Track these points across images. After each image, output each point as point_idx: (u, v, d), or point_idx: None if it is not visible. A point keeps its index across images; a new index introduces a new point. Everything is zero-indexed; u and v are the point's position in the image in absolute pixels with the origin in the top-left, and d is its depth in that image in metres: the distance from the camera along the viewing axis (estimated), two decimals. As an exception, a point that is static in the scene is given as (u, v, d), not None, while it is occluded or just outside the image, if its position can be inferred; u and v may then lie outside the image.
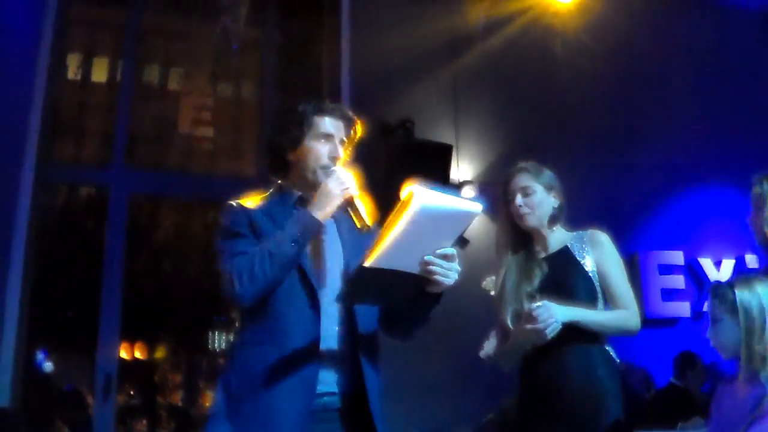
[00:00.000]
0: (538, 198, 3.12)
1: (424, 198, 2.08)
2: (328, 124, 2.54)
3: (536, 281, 3.07)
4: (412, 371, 5.45)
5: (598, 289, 3.00)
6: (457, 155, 6.09)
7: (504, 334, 3.15)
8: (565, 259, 3.08)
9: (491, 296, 4.77)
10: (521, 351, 3.03)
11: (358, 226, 2.36)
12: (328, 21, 6.55)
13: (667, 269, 6.60)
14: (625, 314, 2.95)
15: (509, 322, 3.07)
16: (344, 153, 2.56)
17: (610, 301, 3.00)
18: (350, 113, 2.63)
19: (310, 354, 2.32)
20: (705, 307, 2.90)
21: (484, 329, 5.01)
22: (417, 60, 6.29)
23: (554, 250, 3.13)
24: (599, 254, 3.04)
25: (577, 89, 6.72)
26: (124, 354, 5.80)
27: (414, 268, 2.25)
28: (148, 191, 6.39)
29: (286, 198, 2.54)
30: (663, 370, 6.09)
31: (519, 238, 3.21)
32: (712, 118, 7.04)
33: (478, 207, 2.22)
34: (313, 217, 2.34)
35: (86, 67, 7.73)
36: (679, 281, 6.60)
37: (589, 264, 3.02)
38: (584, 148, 6.43)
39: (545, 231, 3.15)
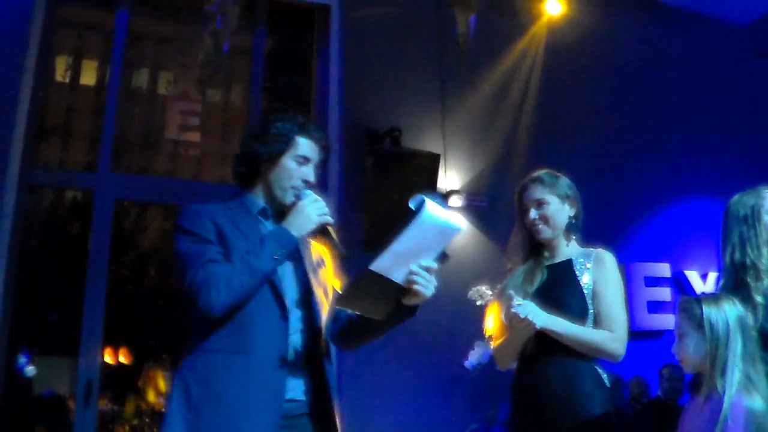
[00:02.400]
0: (553, 210, 3.11)
1: (431, 208, 2.18)
2: (308, 147, 2.56)
3: (535, 285, 3.08)
4: (395, 380, 5.47)
5: (590, 307, 2.97)
6: (445, 164, 6.08)
7: (502, 332, 3.14)
8: (564, 271, 3.08)
9: (476, 306, 4.82)
10: (515, 350, 3.03)
11: (334, 252, 2.43)
12: (317, 28, 6.56)
13: (654, 281, 6.65)
14: (607, 336, 2.90)
15: (505, 319, 3.06)
16: (314, 178, 2.58)
17: (598, 322, 2.96)
18: (328, 140, 2.67)
19: (278, 363, 2.33)
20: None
21: (468, 339, 5.05)
22: (405, 68, 6.32)
23: (559, 260, 3.13)
24: (598, 273, 3.01)
25: (565, 100, 6.77)
26: (108, 359, 5.77)
27: (399, 278, 2.28)
28: (134, 196, 6.37)
29: (248, 206, 2.55)
30: (653, 383, 6.17)
31: (533, 247, 3.20)
32: (700, 130, 7.10)
33: (462, 224, 2.29)
34: (293, 236, 2.39)
35: (74, 69, 7.70)
36: (665, 293, 6.64)
37: (585, 280, 3.01)
38: (571, 158, 6.41)
39: (557, 241, 3.14)
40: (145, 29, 6.66)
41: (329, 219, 2.46)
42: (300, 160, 2.53)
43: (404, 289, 2.32)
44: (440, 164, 5.91)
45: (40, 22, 5.57)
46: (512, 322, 2.86)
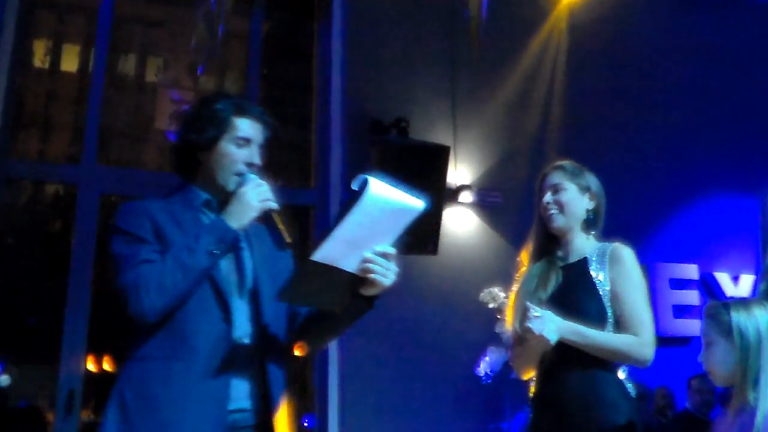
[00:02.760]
0: (569, 197, 3.12)
1: (376, 188, 2.11)
2: (247, 126, 2.52)
3: (549, 290, 3.07)
4: (400, 389, 5.50)
5: (608, 309, 2.95)
6: (455, 157, 6.08)
7: (517, 340, 3.12)
8: (578, 272, 3.06)
9: (488, 309, 4.87)
10: (533, 361, 3.04)
11: (280, 242, 2.36)
12: (319, 11, 6.55)
13: (680, 284, 6.60)
14: (632, 341, 2.87)
15: (519, 329, 3.01)
16: (260, 160, 2.54)
17: (620, 326, 2.93)
18: (269, 116, 2.62)
19: (221, 370, 2.29)
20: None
21: (480, 345, 5.09)
22: (413, 54, 6.33)
23: (574, 260, 3.12)
24: (616, 272, 2.99)
25: (587, 89, 6.78)
26: (91, 366, 5.79)
27: (352, 267, 2.27)
28: (121, 190, 6.24)
29: (191, 199, 2.51)
30: (680, 393, 6.17)
31: (548, 243, 3.21)
32: (732, 122, 7.06)
33: (420, 204, 2.24)
34: (230, 228, 2.35)
35: (54, 54, 7.74)
36: (692, 297, 6.59)
37: (602, 281, 2.99)
38: (591, 151, 6.40)
39: (572, 236, 3.14)
40: (132, 11, 6.67)
41: (273, 204, 2.40)
42: (240, 142, 2.49)
43: (360, 279, 2.30)
44: (450, 157, 5.90)
45: (17, 2, 5.55)
46: (527, 335, 2.85)
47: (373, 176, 2.12)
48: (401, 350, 5.52)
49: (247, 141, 2.50)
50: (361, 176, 2.13)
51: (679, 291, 6.59)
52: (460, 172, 6.18)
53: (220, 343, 2.31)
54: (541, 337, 2.79)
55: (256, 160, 2.51)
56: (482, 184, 6.20)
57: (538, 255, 3.21)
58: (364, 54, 6.21)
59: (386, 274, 2.30)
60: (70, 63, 7.66)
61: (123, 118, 6.49)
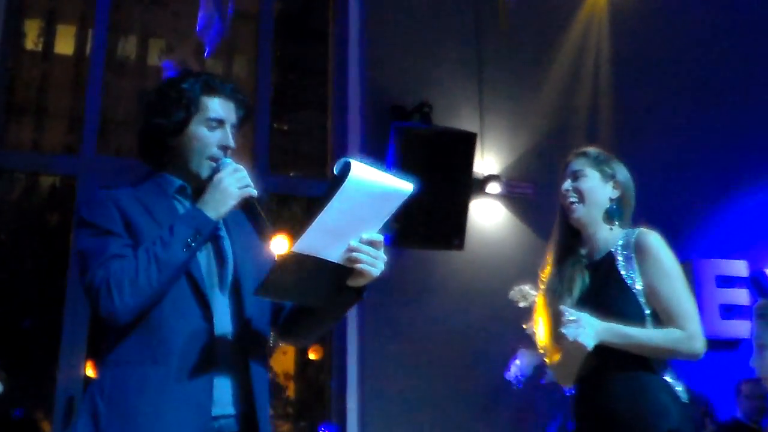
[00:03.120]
0: (589, 184, 3.12)
1: (358, 171, 2.08)
2: (218, 106, 2.50)
3: (576, 293, 3.07)
4: (425, 393, 5.52)
5: (644, 306, 2.94)
6: (482, 145, 6.11)
7: (550, 349, 3.13)
8: (606, 270, 3.05)
9: (519, 309, 4.90)
10: (573, 369, 3.03)
11: (261, 231, 2.36)
12: (334, -13, 6.55)
13: (727, 281, 6.56)
14: (679, 335, 2.87)
15: (556, 340, 3.03)
16: (234, 141, 2.52)
17: (662, 321, 2.92)
18: (242, 93, 2.60)
19: (202, 372, 2.27)
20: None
21: (510, 347, 5.11)
22: (437, 33, 6.33)
23: (600, 256, 3.11)
24: (646, 263, 2.97)
25: (623, 71, 6.78)
26: (91, 373, 5.81)
27: (336, 257, 2.25)
28: (123, 183, 6.35)
29: (164, 186, 2.49)
30: (720, 401, 6.13)
31: (571, 238, 3.21)
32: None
33: (408, 186, 2.22)
34: (208, 218, 2.33)
35: (48, 35, 7.78)
36: (741, 296, 6.55)
37: (632, 275, 2.98)
38: (631, 139, 6.42)
39: (594, 228, 3.13)
40: (133, -12, 6.71)
41: (253, 191, 2.39)
42: (212, 124, 2.47)
43: (347, 269, 2.28)
44: (477, 145, 5.90)
45: (6, -20, 5.56)
46: (562, 342, 2.87)
47: (355, 159, 2.09)
48: (425, 353, 5.55)
49: (219, 122, 2.48)
50: (342, 159, 2.10)
51: (726, 289, 6.55)
52: (487, 160, 6.19)
53: (199, 343, 2.29)
54: (577, 343, 2.79)
55: (231, 142, 2.49)
56: (511, 174, 6.22)
57: (561, 253, 3.22)
58: (384, 33, 6.22)
59: (374, 263, 2.28)
60: (65, 45, 7.69)
61: (124, 105, 6.50)
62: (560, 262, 3.20)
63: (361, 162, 2.09)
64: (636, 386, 2.89)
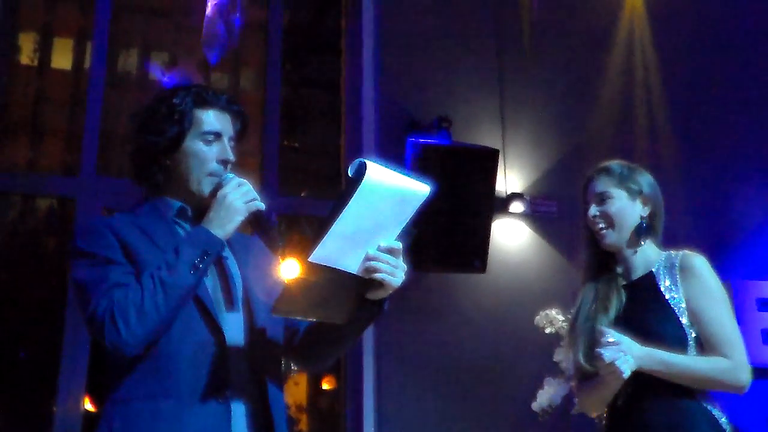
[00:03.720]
0: (617, 207, 3.12)
1: (374, 172, 2.06)
2: (213, 119, 2.51)
3: (612, 313, 3.07)
4: (447, 423, 5.52)
5: (688, 330, 2.96)
6: (504, 162, 6.12)
7: (580, 375, 3.14)
8: (646, 290, 3.07)
9: (544, 335, 4.92)
10: (605, 398, 3.04)
11: (272, 246, 2.37)
12: (346, -3, 6.57)
13: None
14: (725, 365, 2.87)
15: (582, 360, 3.06)
16: (234, 154, 2.53)
17: (706, 347, 2.94)
18: (237, 103, 2.61)
19: (218, 401, 2.28)
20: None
21: (536, 375, 5.12)
22: (455, 44, 6.35)
23: (638, 276, 3.13)
24: (691, 286, 2.99)
25: (658, 80, 6.79)
26: (91, 406, 5.81)
27: (354, 267, 2.24)
28: (125, 204, 6.30)
29: (162, 209, 2.50)
30: None
31: (601, 257, 3.22)
32: None
33: (426, 188, 2.22)
34: (215, 236, 2.32)
35: (44, 49, 7.85)
36: (784, 320, 6.51)
37: (676, 297, 3.00)
38: (665, 153, 6.46)
39: (629, 250, 3.15)
40: (133, -1, 6.75)
41: (260, 205, 2.40)
42: (208, 137, 2.48)
43: (364, 281, 2.28)
44: (499, 162, 5.89)
45: (0, -9, 5.61)
46: (597, 364, 2.87)
47: (369, 161, 2.07)
48: (445, 382, 5.55)
49: (216, 135, 2.50)
50: (357, 160, 2.09)
51: (768, 313, 6.56)
52: (510, 178, 6.20)
53: (211, 369, 2.29)
54: (613, 367, 2.78)
55: (230, 155, 2.51)
56: (535, 192, 6.23)
57: (593, 272, 3.23)
58: (399, 44, 6.24)
59: (394, 272, 2.26)
60: (62, 59, 7.76)
61: (125, 122, 6.47)
62: (594, 280, 3.21)
63: (376, 162, 2.08)
64: (676, 416, 2.89)
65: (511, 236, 6.08)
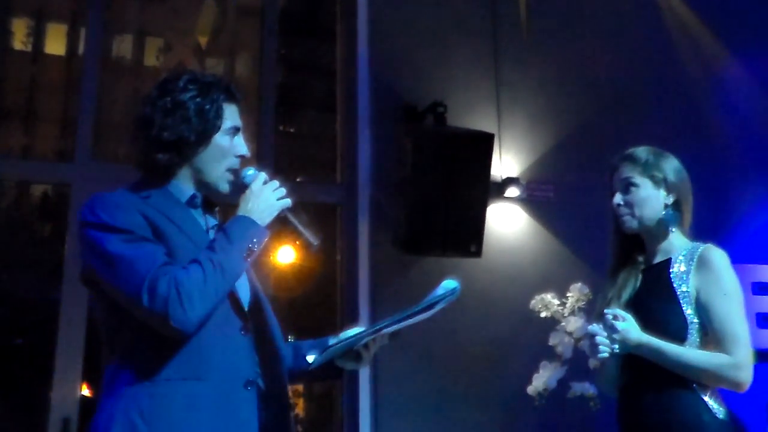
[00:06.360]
0: (642, 195, 3.15)
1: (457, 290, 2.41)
2: (235, 113, 2.56)
3: (624, 297, 3.14)
4: (442, 408, 5.53)
5: (691, 322, 2.98)
6: (500, 146, 6.13)
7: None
8: (658, 276, 3.12)
9: (540, 319, 4.95)
10: (607, 375, 3.17)
11: (308, 242, 2.47)
12: (341, -19, 6.55)
13: (764, 288, 6.53)
14: (724, 361, 2.89)
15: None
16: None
17: (710, 342, 2.97)
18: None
19: (246, 389, 2.34)
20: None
21: (532, 359, 5.14)
22: (450, 28, 6.36)
23: (657, 261, 3.18)
24: (704, 278, 3.00)
25: (658, 61, 6.81)
26: (87, 392, 5.81)
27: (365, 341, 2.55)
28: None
29: (176, 195, 2.50)
30: (757, 419, 6.12)
31: (628, 245, 3.27)
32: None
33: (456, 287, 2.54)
34: (261, 226, 2.39)
35: (38, 35, 7.84)
36: (779, 304, 6.51)
37: (684, 288, 3.02)
38: (662, 138, 6.36)
39: (653, 238, 3.19)
40: (128, -17, 6.73)
41: (289, 202, 2.47)
42: (231, 132, 2.53)
43: (353, 352, 2.58)
44: (495, 146, 5.89)
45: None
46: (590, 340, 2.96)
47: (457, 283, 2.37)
48: (441, 367, 5.57)
49: (236, 129, 2.55)
50: (453, 283, 2.44)
51: (763, 297, 6.51)
52: (506, 162, 6.20)
53: (241, 357, 2.36)
54: (593, 346, 2.92)
55: (246, 150, 2.56)
56: (532, 176, 6.24)
57: (619, 260, 3.28)
58: (394, 29, 6.23)
59: (368, 361, 2.60)
60: (56, 45, 7.74)
61: (120, 108, 6.50)
62: (617, 270, 3.27)
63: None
64: (669, 401, 2.94)
65: (507, 221, 6.09)
